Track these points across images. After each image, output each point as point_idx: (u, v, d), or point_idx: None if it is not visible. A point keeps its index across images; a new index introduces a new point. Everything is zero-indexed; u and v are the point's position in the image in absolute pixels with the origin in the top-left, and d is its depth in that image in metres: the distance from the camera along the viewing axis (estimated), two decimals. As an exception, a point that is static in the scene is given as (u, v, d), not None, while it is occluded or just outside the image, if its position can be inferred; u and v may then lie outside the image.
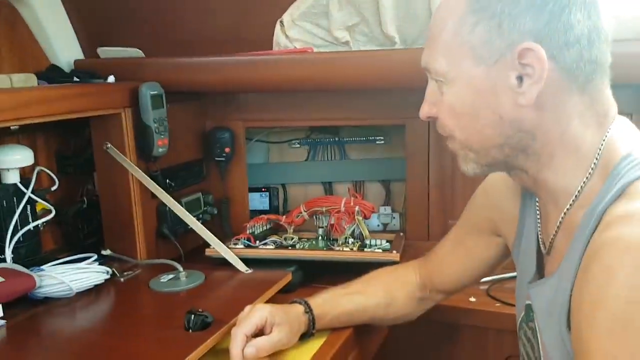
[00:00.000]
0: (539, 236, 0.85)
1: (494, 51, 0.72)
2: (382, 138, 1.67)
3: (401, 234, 1.48)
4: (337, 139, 1.70)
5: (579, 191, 0.75)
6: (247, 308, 0.98)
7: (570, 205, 0.76)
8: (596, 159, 0.74)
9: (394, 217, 1.70)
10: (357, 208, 1.37)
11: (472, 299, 1.27)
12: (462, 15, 0.73)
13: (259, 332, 0.95)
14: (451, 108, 0.77)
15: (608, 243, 0.64)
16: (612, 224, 0.66)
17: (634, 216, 0.64)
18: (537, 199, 0.86)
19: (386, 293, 1.09)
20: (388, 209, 1.70)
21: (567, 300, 0.71)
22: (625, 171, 0.70)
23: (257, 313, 0.95)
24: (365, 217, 1.40)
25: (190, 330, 0.98)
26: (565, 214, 0.77)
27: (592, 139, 0.74)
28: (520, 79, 0.72)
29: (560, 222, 0.78)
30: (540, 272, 0.85)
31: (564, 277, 0.73)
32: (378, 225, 1.69)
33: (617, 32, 1.14)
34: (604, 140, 0.74)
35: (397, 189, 1.70)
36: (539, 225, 0.85)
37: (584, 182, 0.74)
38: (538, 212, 0.85)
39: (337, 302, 1.06)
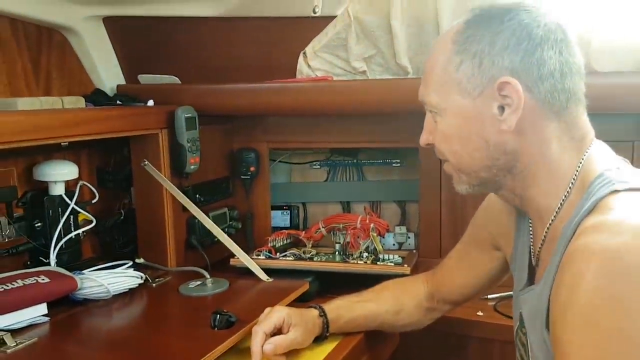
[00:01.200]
0: (531, 249, 0.93)
1: (477, 85, 0.81)
2: (398, 161, 1.75)
3: (414, 251, 1.56)
4: (355, 161, 1.79)
5: (559, 207, 0.83)
6: (267, 309, 1.08)
7: (553, 220, 0.84)
8: (574, 178, 0.82)
9: (409, 237, 1.76)
10: (372, 225, 1.47)
11: (480, 313, 1.34)
12: (449, 55, 0.83)
13: (277, 332, 1.04)
14: (444, 135, 0.87)
15: (578, 250, 0.72)
16: (583, 233, 0.73)
17: (601, 226, 0.72)
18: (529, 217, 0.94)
19: (396, 301, 1.18)
20: (403, 229, 1.76)
21: (546, 303, 0.79)
22: (597, 189, 0.78)
23: (276, 314, 1.05)
24: (380, 234, 1.48)
25: (216, 329, 1.07)
26: (548, 228, 0.85)
27: (570, 160, 0.83)
28: (501, 108, 0.81)
29: (545, 236, 0.86)
30: (530, 283, 0.93)
31: (545, 284, 0.81)
32: (394, 245, 1.76)
33: (617, 64, 1.24)
34: (581, 162, 0.83)
35: (412, 209, 1.76)
36: (531, 239, 0.93)
37: (563, 199, 0.83)
38: (530, 227, 0.93)
39: (349, 308, 1.15)
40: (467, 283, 1.14)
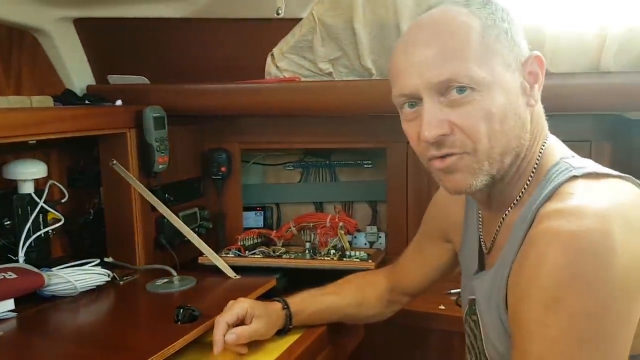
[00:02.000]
0: (480, 238, 0.96)
1: (514, 58, 0.81)
2: (369, 162, 1.79)
3: (381, 249, 1.59)
4: (328, 162, 1.82)
5: (519, 197, 0.86)
6: (231, 302, 1.10)
7: (511, 207, 0.87)
8: (534, 167, 0.85)
9: (380, 237, 1.78)
10: (340, 224, 1.50)
11: (442, 307, 1.38)
12: (481, 28, 0.79)
13: (240, 323, 1.07)
14: (486, 113, 0.78)
15: (542, 233, 0.74)
16: (545, 218, 0.75)
17: (563, 211, 0.74)
18: (479, 209, 0.97)
19: (358, 294, 1.21)
20: (374, 229, 1.78)
21: (504, 285, 0.81)
22: (555, 175, 0.80)
23: (238, 305, 1.07)
24: (349, 233, 1.52)
25: (179, 323, 1.09)
26: (506, 215, 0.88)
27: (534, 149, 0.85)
28: (529, 82, 0.82)
29: (501, 223, 0.89)
30: (481, 269, 0.96)
31: (501, 267, 0.84)
32: (365, 244, 1.77)
33: (571, 65, 1.28)
34: (541, 151, 0.85)
35: (383, 209, 1.79)
36: (480, 228, 0.97)
37: (524, 189, 0.85)
38: (480, 217, 0.97)
39: (312, 301, 1.18)
40: (422, 275, 1.18)
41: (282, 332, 1.14)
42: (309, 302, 1.18)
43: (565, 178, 0.78)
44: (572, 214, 0.72)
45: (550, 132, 0.89)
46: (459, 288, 1.38)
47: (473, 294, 0.95)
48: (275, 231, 1.58)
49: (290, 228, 1.56)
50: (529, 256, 0.74)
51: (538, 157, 0.85)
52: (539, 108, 0.86)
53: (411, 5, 1.29)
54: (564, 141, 0.89)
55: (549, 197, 0.78)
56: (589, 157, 0.85)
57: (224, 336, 1.02)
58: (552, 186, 0.79)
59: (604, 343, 0.69)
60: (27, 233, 1.35)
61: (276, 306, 1.14)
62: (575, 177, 0.78)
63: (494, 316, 0.85)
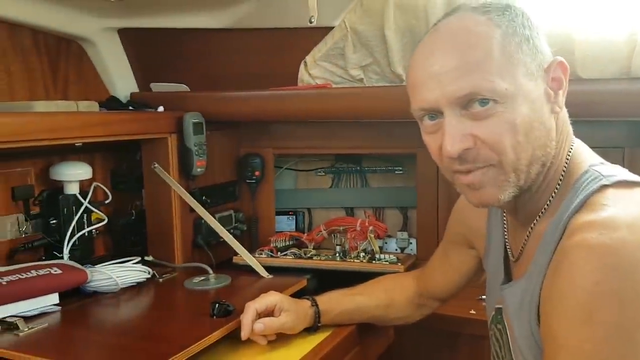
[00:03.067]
0: (507, 245, 0.96)
1: (537, 66, 0.79)
2: (400, 168, 1.80)
3: (412, 253, 1.61)
4: (359, 168, 1.83)
5: (547, 205, 0.84)
6: (263, 294, 1.14)
7: (539, 217, 0.85)
8: (562, 175, 0.83)
9: (411, 243, 1.78)
10: (370, 227, 1.53)
11: (473, 312, 1.39)
12: (502, 37, 0.77)
13: (270, 315, 1.11)
14: (510, 125, 0.77)
15: (575, 246, 0.72)
16: (578, 231, 0.73)
17: (595, 223, 0.72)
18: (504, 213, 0.96)
19: (386, 296, 1.23)
20: (405, 234, 1.79)
21: (536, 297, 0.80)
22: (585, 184, 0.79)
23: (269, 296, 1.12)
24: (379, 237, 1.55)
25: (215, 317, 1.14)
26: (534, 224, 0.86)
27: (561, 157, 0.83)
28: (553, 89, 0.81)
29: (529, 233, 0.87)
30: (508, 277, 0.94)
31: (532, 278, 0.82)
32: (396, 250, 1.78)
33: (608, 72, 1.28)
34: (567, 158, 0.83)
35: (414, 215, 1.79)
36: (505, 235, 0.96)
37: (552, 196, 0.83)
38: (505, 224, 0.96)
39: (341, 300, 1.21)
40: (449, 280, 1.18)
41: (310, 330, 1.18)
42: (337, 302, 1.20)
43: (595, 187, 0.77)
44: (605, 226, 0.71)
45: (583, 139, 0.87)
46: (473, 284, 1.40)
47: (500, 303, 0.94)
48: (306, 234, 1.62)
49: (321, 231, 1.60)
50: (563, 269, 0.73)
51: (565, 164, 0.83)
52: (564, 114, 0.84)
53: (441, 12, 1.31)
54: (596, 147, 0.88)
55: (579, 208, 0.77)
56: (622, 163, 0.84)
57: (252, 323, 1.06)
58: (582, 196, 0.77)
59: (638, 358, 0.68)
60: (71, 232, 1.43)
61: (305, 303, 1.17)
62: (605, 186, 0.77)
63: (525, 327, 0.84)
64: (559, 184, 0.83)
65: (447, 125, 0.78)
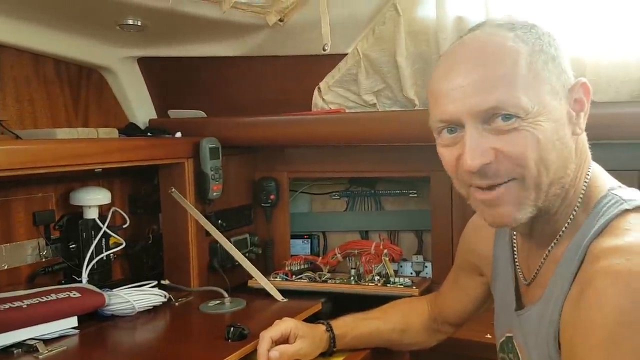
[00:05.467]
0: (517, 269, 0.94)
1: (561, 86, 0.78)
2: (415, 192, 1.80)
3: (427, 277, 1.61)
4: (373, 191, 1.84)
5: (565, 228, 0.82)
6: (277, 321, 1.15)
7: (557, 240, 0.84)
8: (580, 197, 0.82)
9: (426, 266, 1.78)
10: (385, 251, 1.54)
11: (488, 336, 1.37)
12: (529, 54, 0.77)
13: (285, 342, 1.11)
14: (533, 141, 0.75)
15: (600, 272, 0.71)
16: (602, 256, 0.72)
17: (619, 250, 0.71)
18: (513, 237, 0.95)
19: (402, 320, 1.22)
20: (420, 258, 1.79)
21: (555, 322, 0.78)
22: (605, 209, 0.78)
23: (284, 323, 1.12)
24: (394, 260, 1.55)
25: (230, 340, 1.15)
26: (551, 248, 0.84)
27: (579, 179, 0.82)
28: (575, 110, 0.80)
29: (545, 257, 0.86)
30: (519, 302, 0.92)
31: (550, 302, 0.80)
32: (411, 273, 1.78)
33: (621, 94, 1.29)
34: (586, 180, 0.82)
35: (429, 239, 1.79)
36: (516, 259, 0.95)
37: (570, 220, 0.82)
38: (515, 247, 0.95)
39: (356, 325, 1.21)
40: (461, 306, 1.17)
41: (325, 354, 1.18)
42: (352, 326, 1.20)
43: (617, 212, 0.76)
44: (631, 251, 0.70)
45: (597, 161, 0.86)
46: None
47: (511, 332, 0.93)
48: (321, 258, 1.63)
49: (335, 255, 1.61)
50: (588, 296, 0.71)
51: (584, 188, 0.82)
52: (583, 137, 0.83)
53: (451, 39, 1.34)
54: (612, 170, 0.87)
55: (601, 232, 0.76)
56: (637, 186, 0.83)
57: (268, 352, 1.07)
58: (603, 220, 0.77)
59: None
60: (90, 256, 1.45)
61: (320, 328, 1.17)
62: (627, 210, 0.76)
63: (543, 353, 0.82)
64: (577, 207, 0.82)
65: (468, 139, 0.77)
